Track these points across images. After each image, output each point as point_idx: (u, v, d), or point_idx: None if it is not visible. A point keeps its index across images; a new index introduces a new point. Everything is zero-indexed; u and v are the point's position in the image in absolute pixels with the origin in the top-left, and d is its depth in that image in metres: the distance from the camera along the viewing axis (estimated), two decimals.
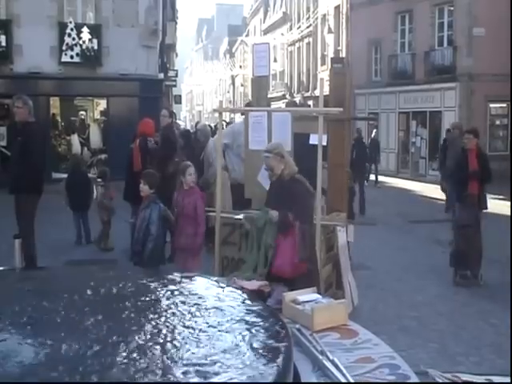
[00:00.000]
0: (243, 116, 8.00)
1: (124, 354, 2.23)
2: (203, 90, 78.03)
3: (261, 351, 2.32)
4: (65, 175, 11.58)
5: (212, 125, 20.52)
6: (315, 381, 2.47)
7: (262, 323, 2.64)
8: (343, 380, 2.40)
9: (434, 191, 17.40)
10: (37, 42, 16.34)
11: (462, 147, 7.81)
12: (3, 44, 16.73)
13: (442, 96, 21.64)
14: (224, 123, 7.85)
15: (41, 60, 16.63)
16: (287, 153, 4.72)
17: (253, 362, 2.22)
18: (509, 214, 12.91)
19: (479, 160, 7.44)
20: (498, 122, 21.95)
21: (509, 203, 13.90)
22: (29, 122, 6.65)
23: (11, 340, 2.35)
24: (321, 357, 2.62)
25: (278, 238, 4.43)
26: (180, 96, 39.02)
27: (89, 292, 3.01)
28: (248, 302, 2.97)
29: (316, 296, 3.32)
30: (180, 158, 8.14)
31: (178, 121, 21.06)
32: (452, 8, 21.37)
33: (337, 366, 2.51)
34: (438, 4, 21.88)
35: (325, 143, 5.74)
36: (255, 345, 2.39)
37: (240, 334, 2.49)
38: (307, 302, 3.21)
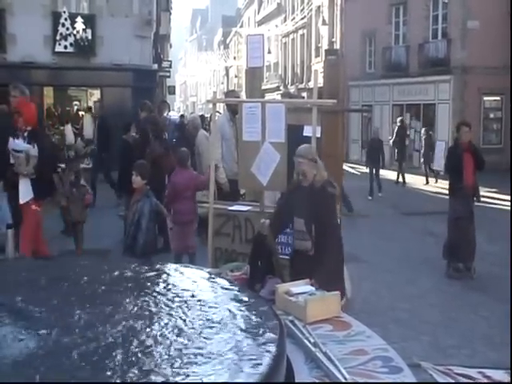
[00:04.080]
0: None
1: (113, 345, 2.22)
2: (197, 80, 77.75)
3: (254, 343, 2.32)
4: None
5: (207, 115, 20.44)
6: (308, 373, 2.47)
7: (255, 315, 2.63)
8: (336, 372, 2.40)
9: (428, 183, 17.45)
10: (30, 32, 16.20)
11: (455, 140, 7.79)
12: None
13: (435, 89, 21.64)
14: (218, 114, 7.81)
15: (34, 49, 16.49)
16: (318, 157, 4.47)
17: (245, 353, 2.22)
18: (506, 208, 12.97)
19: (471, 151, 7.42)
20: (491, 115, 21.97)
21: (501, 196, 13.97)
22: None
23: (1, 331, 2.33)
24: (314, 349, 2.62)
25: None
26: (174, 87, 38.79)
27: (78, 283, 3.00)
28: (241, 293, 2.96)
29: (309, 288, 3.31)
30: (151, 149, 8.06)
31: (171, 112, 20.96)
32: (446, 0, 21.33)
33: (330, 358, 2.52)
34: None
35: (319, 135, 5.72)
36: (248, 336, 2.38)
37: (232, 325, 2.49)
38: (300, 293, 3.20)
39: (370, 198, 14.59)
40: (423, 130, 19.36)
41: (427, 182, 17.57)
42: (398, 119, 19.78)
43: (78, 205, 7.87)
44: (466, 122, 7.98)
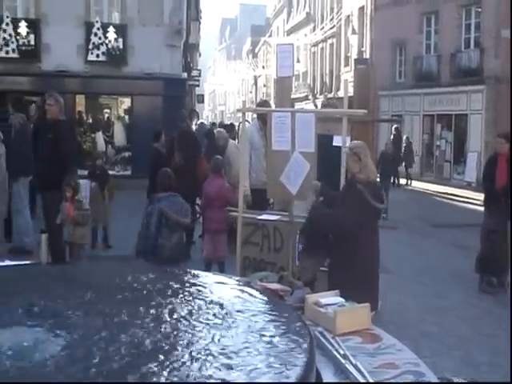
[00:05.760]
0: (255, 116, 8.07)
1: (141, 351, 2.23)
2: (226, 89, 78.23)
3: (283, 353, 2.30)
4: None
5: (235, 123, 20.55)
6: None
7: (284, 325, 2.62)
8: None
9: (458, 195, 17.20)
10: (64, 41, 16.54)
11: (495, 151, 7.70)
12: (32, 43, 16.99)
13: (468, 99, 21.33)
14: (247, 124, 7.83)
15: (68, 58, 16.83)
16: (367, 157, 4.49)
17: (274, 364, 2.20)
18: None
19: (510, 165, 7.29)
20: None
21: None
22: (60, 119, 6.74)
23: (33, 334, 2.36)
24: (343, 361, 2.59)
25: None
26: (203, 95, 39.16)
27: (108, 288, 3.03)
28: (270, 303, 2.95)
29: (339, 299, 3.28)
30: (179, 159, 8.27)
31: (201, 120, 21.15)
32: (479, 9, 21.05)
33: (360, 371, 2.48)
34: (465, 5, 21.58)
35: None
36: (277, 347, 2.37)
37: (261, 335, 2.47)
38: (330, 304, 3.17)
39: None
40: (404, 138, 21.43)
41: (406, 183, 21.28)
42: (393, 127, 21.17)
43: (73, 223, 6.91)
44: (502, 133, 7.85)
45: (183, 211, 6.16)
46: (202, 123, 16.24)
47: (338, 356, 2.64)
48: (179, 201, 6.18)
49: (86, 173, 9.37)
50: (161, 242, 5.94)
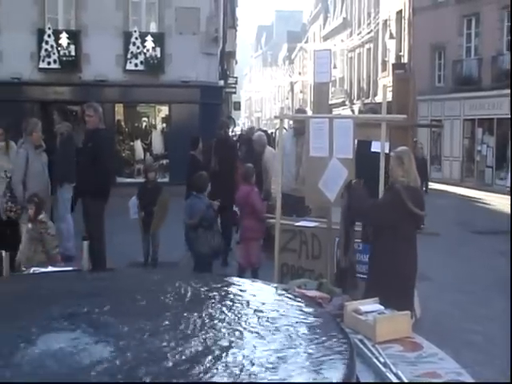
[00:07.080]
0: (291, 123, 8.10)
1: (181, 355, 2.25)
2: (262, 96, 78.51)
3: (323, 361, 2.29)
4: (128, 180, 11.82)
5: (269, 131, 20.64)
6: None
7: (323, 333, 2.60)
8: None
9: (501, 201, 16.80)
10: (103, 51, 16.90)
11: None
12: (73, 53, 17.38)
13: (510, 102, 20.84)
14: (284, 130, 7.87)
15: (107, 68, 17.18)
16: (411, 163, 4.51)
17: (314, 371, 2.19)
18: None
19: None
20: None
21: None
22: (99, 128, 6.87)
23: (75, 340, 2.40)
24: (384, 369, 2.55)
25: None
26: (239, 103, 39.34)
27: (149, 295, 3.07)
28: (309, 310, 2.94)
29: (379, 307, 3.24)
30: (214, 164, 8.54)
31: (237, 127, 21.32)
32: None
33: (401, 380, 2.44)
34: (506, 7, 21.12)
35: (387, 151, 5.63)
36: (317, 354, 2.36)
37: (301, 343, 2.47)
38: (370, 312, 3.14)
39: None
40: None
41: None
42: None
43: (31, 246, 5.78)
44: None
45: (194, 212, 6.52)
46: (252, 127, 16.28)
47: (379, 364, 2.61)
48: (196, 201, 6.58)
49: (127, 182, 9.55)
50: (191, 236, 6.59)
